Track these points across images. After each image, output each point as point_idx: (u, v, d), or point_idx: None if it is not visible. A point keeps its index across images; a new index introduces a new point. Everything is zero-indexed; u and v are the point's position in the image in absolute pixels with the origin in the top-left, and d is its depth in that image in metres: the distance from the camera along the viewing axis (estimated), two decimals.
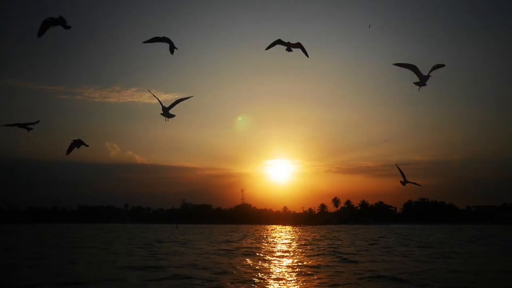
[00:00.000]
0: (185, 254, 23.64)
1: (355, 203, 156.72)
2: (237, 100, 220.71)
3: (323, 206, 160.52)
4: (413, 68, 7.95)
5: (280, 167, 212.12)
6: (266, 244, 33.29)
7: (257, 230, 77.40)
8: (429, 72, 8.06)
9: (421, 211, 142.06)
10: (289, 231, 73.32)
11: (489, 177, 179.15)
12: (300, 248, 28.26)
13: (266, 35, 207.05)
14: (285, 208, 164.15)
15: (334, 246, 30.54)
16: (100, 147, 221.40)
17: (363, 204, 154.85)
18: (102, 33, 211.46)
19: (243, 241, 36.93)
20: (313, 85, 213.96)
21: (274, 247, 29.36)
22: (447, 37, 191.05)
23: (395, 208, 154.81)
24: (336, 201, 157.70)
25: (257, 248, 28.46)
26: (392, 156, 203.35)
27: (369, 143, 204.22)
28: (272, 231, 69.08)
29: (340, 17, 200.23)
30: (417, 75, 8.09)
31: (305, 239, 40.87)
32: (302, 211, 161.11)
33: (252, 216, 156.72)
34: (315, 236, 49.47)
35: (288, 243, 34.21)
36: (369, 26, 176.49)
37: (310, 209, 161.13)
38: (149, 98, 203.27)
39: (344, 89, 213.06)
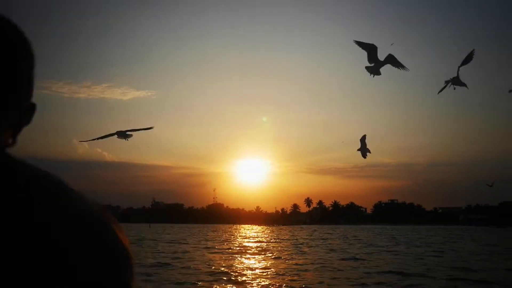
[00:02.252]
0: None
1: (327, 203, 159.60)
2: (210, 99, 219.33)
3: (295, 206, 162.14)
4: (372, 48, 6.09)
5: (252, 167, 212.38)
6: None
7: (235, 230, 77.20)
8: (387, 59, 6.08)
9: (390, 212, 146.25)
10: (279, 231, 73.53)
11: (454, 179, 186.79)
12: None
13: (241, 36, 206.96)
14: (257, 208, 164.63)
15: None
16: (67, 143, 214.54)
17: (335, 204, 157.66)
18: (73, 24, 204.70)
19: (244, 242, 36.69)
20: (284, 87, 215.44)
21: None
22: (416, 40, 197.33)
23: (365, 209, 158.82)
24: (308, 201, 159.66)
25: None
26: (360, 157, 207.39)
27: (339, 145, 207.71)
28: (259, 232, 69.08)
29: (312, 20, 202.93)
30: (371, 59, 6.14)
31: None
32: (274, 211, 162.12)
33: (225, 216, 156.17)
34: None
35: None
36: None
37: (282, 209, 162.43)
38: (121, 95, 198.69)
39: (315, 91, 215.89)
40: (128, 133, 6.69)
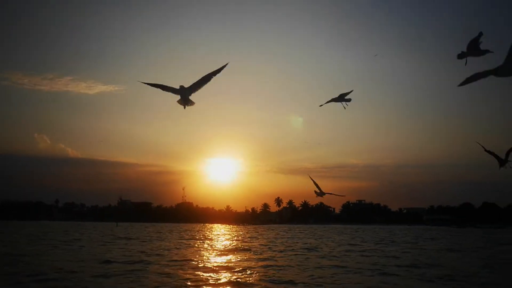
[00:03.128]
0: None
1: (297, 203, 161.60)
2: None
3: (266, 206, 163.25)
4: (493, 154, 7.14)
5: (222, 166, 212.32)
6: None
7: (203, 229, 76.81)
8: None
9: (358, 212, 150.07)
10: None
11: (418, 180, 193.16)
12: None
13: (212, 34, 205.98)
14: (228, 207, 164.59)
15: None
16: (28, 138, 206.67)
17: (305, 204, 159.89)
18: (35, 12, 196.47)
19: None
20: (256, 86, 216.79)
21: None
22: (385, 46, 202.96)
23: (334, 208, 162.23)
24: (278, 201, 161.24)
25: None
26: (329, 158, 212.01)
27: (308, 145, 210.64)
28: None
29: (285, 21, 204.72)
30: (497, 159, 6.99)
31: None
32: (244, 210, 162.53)
33: (195, 215, 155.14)
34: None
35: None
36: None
37: (253, 209, 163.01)
38: (86, 89, 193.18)
39: (286, 92, 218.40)
40: (192, 92, 5.16)
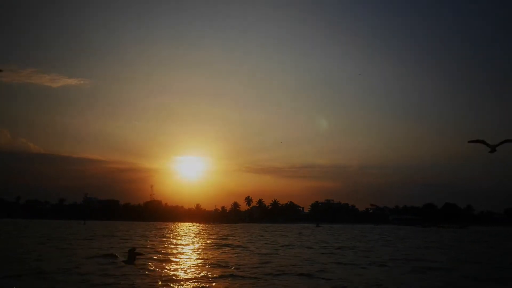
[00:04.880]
0: None
1: (267, 202, 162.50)
2: (149, 92, 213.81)
3: (236, 205, 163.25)
4: (482, 142, 9.05)
5: (191, 164, 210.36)
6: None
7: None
8: (497, 145, 8.96)
9: (326, 212, 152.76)
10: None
11: (384, 181, 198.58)
12: None
13: (186, 30, 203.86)
14: (197, 205, 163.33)
15: None
16: None
17: (275, 203, 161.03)
18: None
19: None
20: (227, 85, 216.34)
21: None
22: (358, 51, 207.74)
23: (303, 208, 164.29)
24: (248, 200, 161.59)
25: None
26: (298, 158, 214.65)
27: (277, 145, 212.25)
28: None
29: (255, 21, 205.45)
30: (487, 145, 9.05)
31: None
32: (214, 209, 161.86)
33: (163, 213, 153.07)
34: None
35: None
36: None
37: (222, 207, 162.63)
38: (50, 81, 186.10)
39: (257, 92, 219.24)
40: None
